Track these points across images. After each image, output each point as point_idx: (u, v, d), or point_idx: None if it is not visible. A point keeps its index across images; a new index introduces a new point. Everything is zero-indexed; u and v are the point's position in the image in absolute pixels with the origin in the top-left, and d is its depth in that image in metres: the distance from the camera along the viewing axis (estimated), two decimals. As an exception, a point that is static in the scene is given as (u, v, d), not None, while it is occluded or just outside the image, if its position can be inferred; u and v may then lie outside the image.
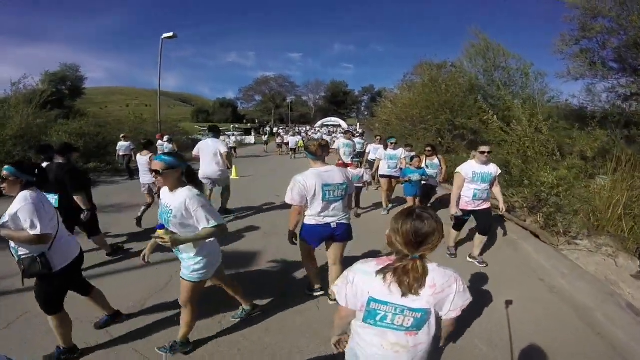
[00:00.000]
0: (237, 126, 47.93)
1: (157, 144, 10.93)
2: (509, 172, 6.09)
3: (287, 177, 2.83)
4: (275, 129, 35.29)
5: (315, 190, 2.60)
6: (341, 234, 2.78)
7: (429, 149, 6.04)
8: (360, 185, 5.66)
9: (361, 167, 5.92)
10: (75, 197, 3.46)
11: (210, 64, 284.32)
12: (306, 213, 2.75)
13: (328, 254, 2.90)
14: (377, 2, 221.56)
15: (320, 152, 2.68)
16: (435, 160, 5.95)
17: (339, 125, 57.05)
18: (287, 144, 19.45)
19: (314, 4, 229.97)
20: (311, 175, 2.62)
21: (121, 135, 10.86)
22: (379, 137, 8.83)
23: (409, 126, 12.58)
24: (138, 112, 18.22)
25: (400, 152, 6.34)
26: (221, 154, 5.30)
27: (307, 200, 2.66)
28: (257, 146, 26.92)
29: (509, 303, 2.94)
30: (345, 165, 5.21)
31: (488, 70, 10.86)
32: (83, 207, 3.53)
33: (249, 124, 51.82)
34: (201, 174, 5.15)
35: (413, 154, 6.17)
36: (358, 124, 56.33)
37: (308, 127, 52.73)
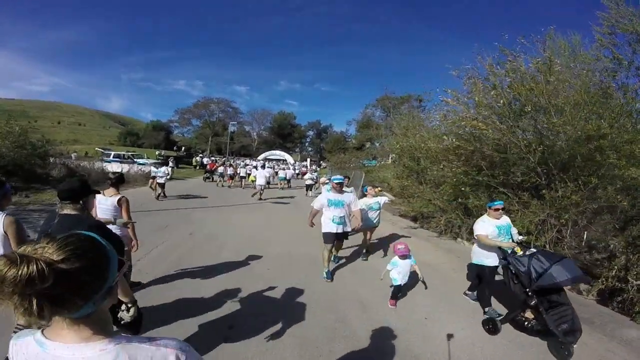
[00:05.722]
0: (162, 153, 39.74)
1: None
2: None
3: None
4: (205, 160, 28.90)
5: None
6: None
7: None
8: None
9: None
10: None
11: (158, 89, 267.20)
12: None
13: None
14: (319, 46, 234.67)
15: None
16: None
17: (285, 160, 52.46)
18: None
19: (262, 42, 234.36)
20: None
21: None
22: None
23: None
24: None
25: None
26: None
27: None
28: (175, 183, 15.82)
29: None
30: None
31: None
32: (123, 299, 1.76)
33: (177, 152, 43.77)
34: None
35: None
36: (309, 159, 52.73)
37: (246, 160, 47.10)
